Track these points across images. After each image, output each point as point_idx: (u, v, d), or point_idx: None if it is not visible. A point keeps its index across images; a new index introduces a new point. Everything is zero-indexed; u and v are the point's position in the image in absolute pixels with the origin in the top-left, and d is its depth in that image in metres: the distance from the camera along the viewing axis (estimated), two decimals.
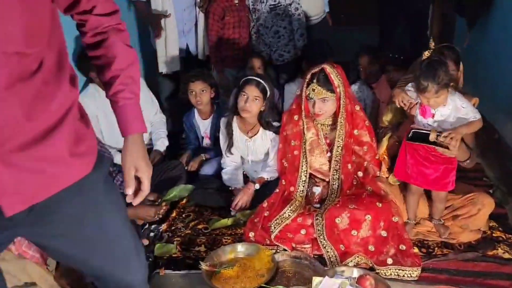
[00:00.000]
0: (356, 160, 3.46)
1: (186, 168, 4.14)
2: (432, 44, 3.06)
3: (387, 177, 3.42)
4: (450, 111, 3.01)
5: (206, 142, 4.44)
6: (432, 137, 2.92)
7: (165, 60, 4.75)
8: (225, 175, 3.92)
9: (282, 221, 3.26)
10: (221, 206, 3.79)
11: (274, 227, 3.23)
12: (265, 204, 3.42)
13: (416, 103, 3.10)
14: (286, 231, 3.22)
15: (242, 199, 3.63)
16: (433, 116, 3.04)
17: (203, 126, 4.41)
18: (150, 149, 4.15)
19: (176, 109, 4.85)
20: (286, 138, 3.55)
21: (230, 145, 3.88)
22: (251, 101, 3.63)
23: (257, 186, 3.68)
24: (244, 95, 3.63)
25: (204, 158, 4.26)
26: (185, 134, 4.58)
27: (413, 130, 3.03)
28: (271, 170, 3.77)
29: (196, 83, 4.18)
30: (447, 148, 2.91)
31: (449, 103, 2.99)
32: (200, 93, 4.18)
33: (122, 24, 1.89)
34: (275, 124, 3.73)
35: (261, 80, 3.64)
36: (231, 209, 3.62)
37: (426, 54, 3.00)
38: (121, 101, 1.86)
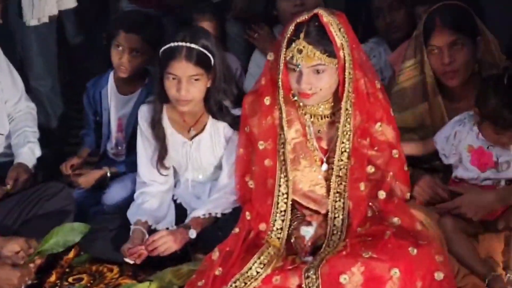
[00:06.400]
0: (374, 175, 2.81)
1: (72, 183, 3.37)
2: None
3: None
4: None
5: (117, 138, 3.49)
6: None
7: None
8: (142, 211, 3.06)
9: (246, 282, 2.65)
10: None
11: None
12: (215, 255, 2.77)
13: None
14: None
15: (163, 244, 2.87)
16: (495, 165, 2.79)
17: (117, 106, 3.46)
18: (8, 163, 3.34)
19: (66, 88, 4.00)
20: (251, 137, 2.89)
21: (162, 155, 3.06)
22: (187, 84, 2.87)
23: (193, 233, 2.93)
24: (172, 77, 2.85)
25: (108, 172, 3.39)
26: (84, 117, 3.65)
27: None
28: (221, 197, 3.03)
29: (129, 36, 3.22)
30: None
31: None
32: (132, 54, 3.24)
33: None
34: (235, 111, 2.96)
35: (193, 45, 2.84)
36: (126, 258, 2.86)
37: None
38: None
